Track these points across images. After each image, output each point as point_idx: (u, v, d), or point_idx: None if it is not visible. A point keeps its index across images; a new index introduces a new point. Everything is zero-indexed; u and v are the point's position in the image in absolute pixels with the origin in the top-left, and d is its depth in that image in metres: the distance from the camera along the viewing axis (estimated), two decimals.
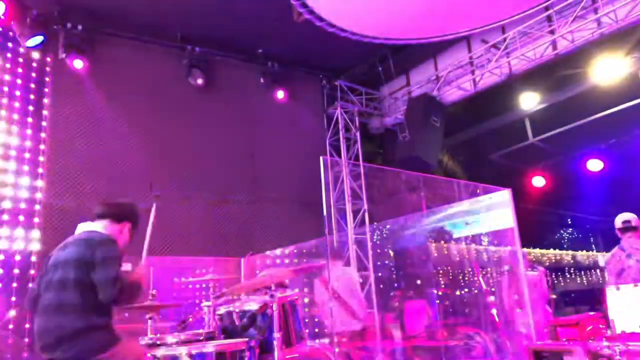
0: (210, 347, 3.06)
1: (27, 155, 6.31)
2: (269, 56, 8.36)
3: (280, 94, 8.50)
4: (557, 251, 16.24)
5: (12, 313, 5.74)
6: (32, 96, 6.52)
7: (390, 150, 9.31)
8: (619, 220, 4.96)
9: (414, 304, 8.08)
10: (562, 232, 17.20)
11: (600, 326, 3.43)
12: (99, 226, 3.11)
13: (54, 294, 2.85)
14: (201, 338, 3.38)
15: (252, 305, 3.52)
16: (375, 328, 5.68)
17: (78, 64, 6.76)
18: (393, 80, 9.23)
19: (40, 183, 6.34)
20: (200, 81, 7.61)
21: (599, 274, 16.98)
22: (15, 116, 6.34)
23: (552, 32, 7.19)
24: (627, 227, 4.87)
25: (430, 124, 8.37)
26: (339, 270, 5.85)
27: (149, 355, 2.99)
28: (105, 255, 2.86)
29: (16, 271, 5.90)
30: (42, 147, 6.46)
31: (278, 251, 7.79)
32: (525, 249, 8.11)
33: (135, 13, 7.09)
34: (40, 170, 6.38)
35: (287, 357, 3.50)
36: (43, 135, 6.51)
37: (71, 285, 2.82)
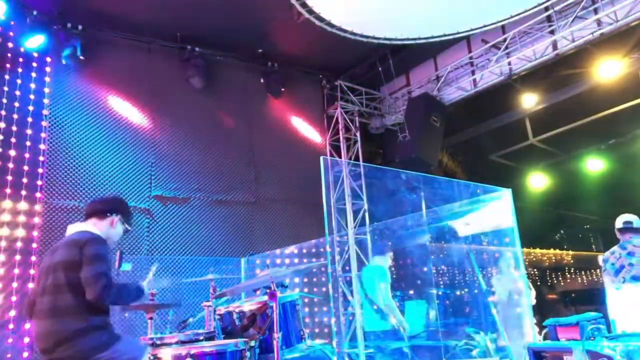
0: (210, 347, 3.06)
1: (27, 155, 6.31)
2: (269, 56, 8.35)
3: (281, 94, 8.49)
4: (557, 251, 16.23)
5: (12, 313, 5.75)
6: (32, 96, 6.52)
7: (390, 150, 9.31)
8: (620, 220, 4.96)
9: (414, 304, 8.07)
10: (562, 232, 17.19)
11: (600, 326, 3.42)
12: (88, 226, 3.12)
13: (49, 298, 2.85)
14: (201, 338, 3.38)
15: (252, 305, 3.52)
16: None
17: (78, 64, 6.75)
18: (393, 80, 9.22)
19: (40, 183, 6.34)
20: (200, 81, 7.60)
21: (599, 273, 16.97)
22: (15, 116, 6.34)
23: (552, 32, 7.20)
24: (628, 228, 4.87)
25: (430, 124, 8.37)
26: (374, 268, 5.77)
27: (149, 355, 2.99)
28: (91, 253, 2.85)
29: (16, 271, 5.90)
30: (42, 147, 6.47)
31: (278, 251, 7.79)
32: (525, 249, 8.11)
33: (135, 13, 7.08)
34: (40, 170, 6.38)
35: (287, 357, 3.49)
36: (43, 135, 6.51)
37: (65, 288, 2.82)
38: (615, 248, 4.90)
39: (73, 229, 3.11)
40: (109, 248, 3.02)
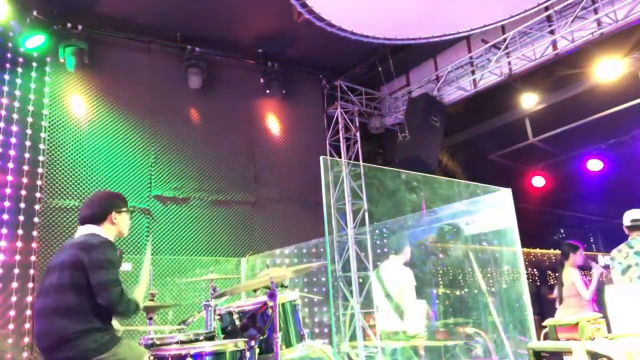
0: (210, 347, 3.06)
1: (27, 155, 6.31)
2: (269, 56, 8.35)
3: (280, 94, 8.49)
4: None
5: (12, 313, 5.75)
6: (32, 96, 6.52)
7: (390, 150, 9.28)
8: (628, 217, 4.88)
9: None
10: (562, 232, 17.16)
11: (601, 326, 3.42)
12: (94, 229, 3.12)
13: (52, 297, 2.87)
14: (201, 338, 3.38)
15: (252, 305, 3.52)
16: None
17: (78, 64, 6.75)
18: (393, 80, 9.22)
19: (40, 183, 6.34)
20: (200, 81, 7.60)
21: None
22: (15, 116, 6.34)
23: (552, 32, 7.20)
24: (636, 225, 4.81)
25: (430, 124, 8.36)
26: (397, 267, 5.77)
27: (149, 355, 2.99)
28: (100, 258, 2.87)
29: (16, 271, 5.90)
30: (42, 147, 6.46)
31: (278, 251, 7.78)
32: (525, 249, 8.10)
33: (135, 13, 7.08)
34: (40, 170, 6.38)
35: (287, 357, 3.49)
36: (43, 135, 6.51)
37: (68, 288, 2.84)
38: (622, 246, 4.82)
39: (82, 230, 3.12)
40: (117, 253, 3.03)
